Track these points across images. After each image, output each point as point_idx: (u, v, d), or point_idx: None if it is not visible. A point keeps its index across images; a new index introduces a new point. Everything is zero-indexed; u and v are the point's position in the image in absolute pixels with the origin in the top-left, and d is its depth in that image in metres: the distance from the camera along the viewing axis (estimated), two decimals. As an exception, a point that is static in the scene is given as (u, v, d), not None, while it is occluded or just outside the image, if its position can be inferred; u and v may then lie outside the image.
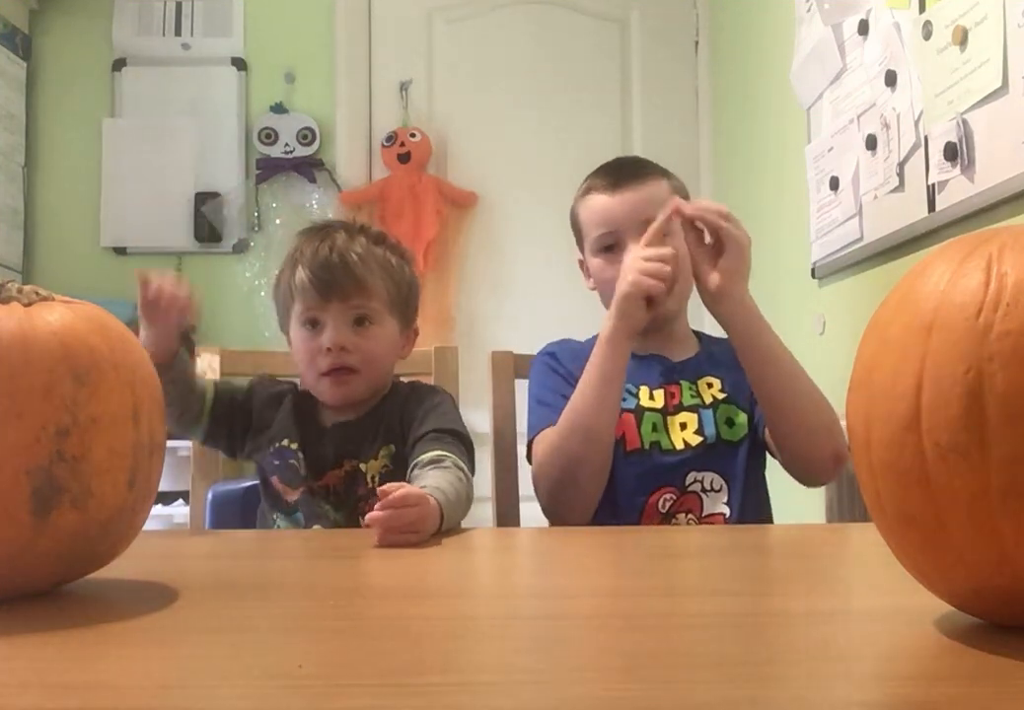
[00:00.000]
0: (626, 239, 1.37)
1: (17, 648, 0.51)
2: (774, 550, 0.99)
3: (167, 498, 2.63)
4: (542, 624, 0.59)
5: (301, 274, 1.26)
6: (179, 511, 2.57)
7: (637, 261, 1.26)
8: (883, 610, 0.61)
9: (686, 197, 1.45)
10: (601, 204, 1.40)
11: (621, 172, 1.42)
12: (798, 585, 0.78)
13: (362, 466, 1.24)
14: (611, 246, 1.39)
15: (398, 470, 1.21)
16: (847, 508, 1.75)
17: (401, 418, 1.26)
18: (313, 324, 1.26)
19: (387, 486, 0.95)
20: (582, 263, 1.48)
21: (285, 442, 1.27)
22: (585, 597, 0.69)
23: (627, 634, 0.56)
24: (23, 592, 0.63)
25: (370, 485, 1.22)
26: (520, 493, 1.49)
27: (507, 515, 1.46)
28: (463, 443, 1.21)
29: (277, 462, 1.26)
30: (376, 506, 0.93)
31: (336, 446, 1.25)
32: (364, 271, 1.25)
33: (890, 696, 0.43)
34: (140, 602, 0.66)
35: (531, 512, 1.48)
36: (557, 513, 1.29)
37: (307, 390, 1.30)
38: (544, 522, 1.46)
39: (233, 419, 1.29)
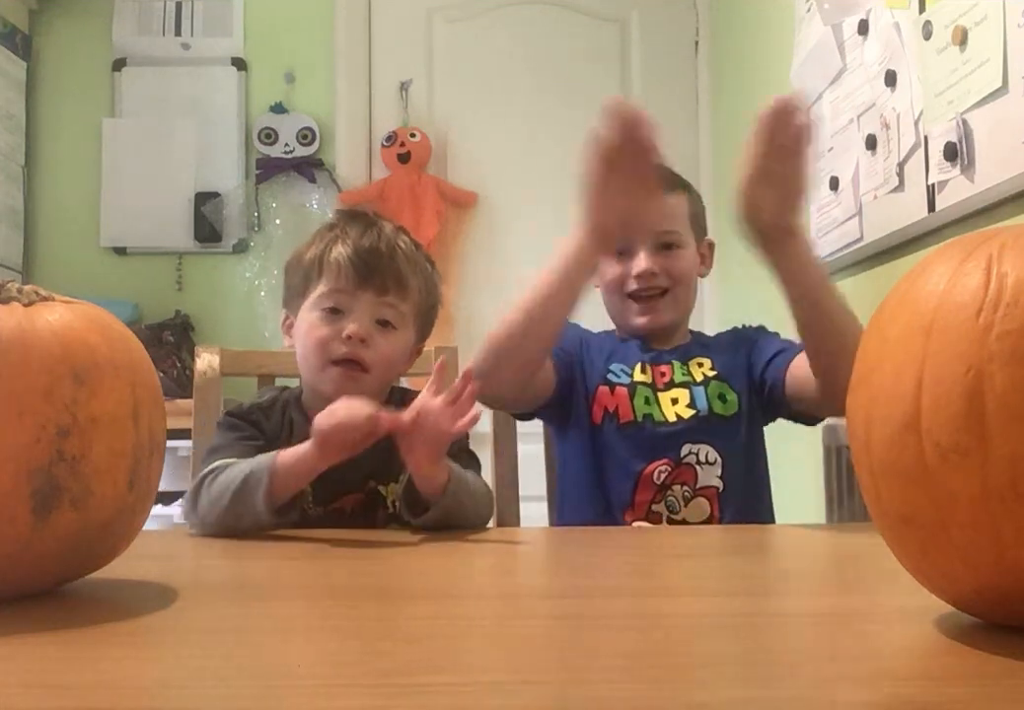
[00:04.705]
0: (636, 245, 1.40)
1: (17, 648, 0.51)
2: (774, 550, 0.99)
3: (167, 498, 2.62)
4: (542, 624, 0.59)
5: (341, 251, 1.16)
6: (179, 511, 2.57)
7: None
8: (883, 610, 0.61)
9: (703, 211, 1.49)
10: None
11: None
12: (798, 585, 0.78)
13: (382, 489, 1.17)
14: (620, 251, 1.41)
15: None
16: (847, 508, 1.75)
17: None
18: (334, 311, 1.16)
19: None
20: None
21: None
22: (585, 597, 0.69)
23: (627, 634, 0.56)
24: (23, 592, 0.63)
25: (390, 510, 1.16)
26: (520, 493, 1.49)
27: (507, 515, 1.46)
28: (476, 461, 1.21)
29: None
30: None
31: (357, 468, 1.13)
32: (407, 268, 1.18)
33: (890, 696, 0.43)
34: (140, 602, 0.65)
35: (531, 512, 1.48)
36: (491, 374, 1.21)
37: (301, 402, 1.22)
38: (545, 523, 1.47)
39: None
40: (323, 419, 1.00)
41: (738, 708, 0.41)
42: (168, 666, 0.50)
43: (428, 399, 1.06)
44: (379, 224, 1.21)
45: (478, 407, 1.08)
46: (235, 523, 1.01)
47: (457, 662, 0.50)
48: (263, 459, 1.03)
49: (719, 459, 1.34)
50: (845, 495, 1.75)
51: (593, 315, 1.50)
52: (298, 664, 0.48)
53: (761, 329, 1.48)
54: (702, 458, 1.34)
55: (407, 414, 1.04)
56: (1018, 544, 0.46)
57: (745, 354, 1.42)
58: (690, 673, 0.46)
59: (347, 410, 1.01)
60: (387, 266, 1.16)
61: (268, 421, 1.19)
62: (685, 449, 1.34)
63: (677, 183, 1.44)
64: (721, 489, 1.33)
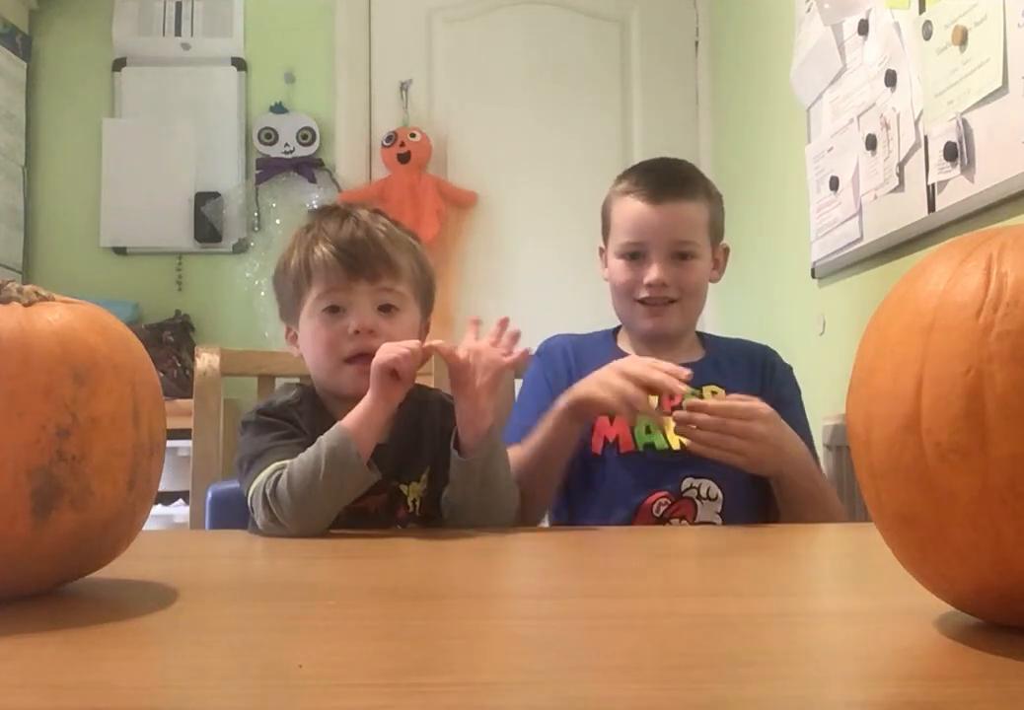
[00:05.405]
0: (651, 252, 1.39)
1: (17, 648, 0.51)
2: (773, 550, 0.99)
3: (167, 498, 2.63)
4: (542, 624, 0.59)
5: (323, 251, 1.16)
6: (179, 511, 2.57)
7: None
8: (883, 610, 0.61)
9: (721, 215, 1.47)
10: (636, 212, 1.40)
11: (665, 184, 1.40)
12: (798, 585, 0.78)
13: (404, 488, 1.16)
14: (634, 254, 1.40)
15: (432, 489, 1.16)
16: (847, 508, 1.75)
17: (441, 435, 1.18)
18: (333, 310, 1.16)
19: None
20: (602, 251, 1.49)
21: None
22: (584, 597, 0.69)
23: (627, 634, 0.56)
24: (23, 592, 0.63)
25: (411, 509, 1.17)
26: (520, 493, 1.48)
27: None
28: None
29: None
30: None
31: (382, 468, 1.09)
32: (393, 249, 1.17)
33: (890, 696, 0.43)
34: (140, 602, 0.65)
35: (531, 512, 1.48)
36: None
37: (322, 404, 1.20)
38: (543, 522, 1.47)
39: None
40: (383, 355, 1.06)
41: (738, 708, 0.41)
42: (168, 666, 0.50)
43: (472, 341, 1.12)
44: (353, 213, 1.20)
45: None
46: (335, 500, 1.05)
47: (457, 662, 0.50)
48: (329, 436, 1.05)
49: (720, 495, 1.32)
50: (845, 495, 1.74)
51: (594, 314, 1.51)
52: (299, 664, 0.48)
53: (787, 394, 1.42)
54: (703, 493, 1.32)
55: (459, 352, 1.10)
56: (1018, 544, 0.46)
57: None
58: (690, 673, 0.46)
59: (399, 345, 1.07)
60: (373, 253, 1.16)
61: (302, 418, 1.17)
62: (686, 483, 1.32)
63: (699, 188, 1.42)
64: (719, 526, 1.31)
